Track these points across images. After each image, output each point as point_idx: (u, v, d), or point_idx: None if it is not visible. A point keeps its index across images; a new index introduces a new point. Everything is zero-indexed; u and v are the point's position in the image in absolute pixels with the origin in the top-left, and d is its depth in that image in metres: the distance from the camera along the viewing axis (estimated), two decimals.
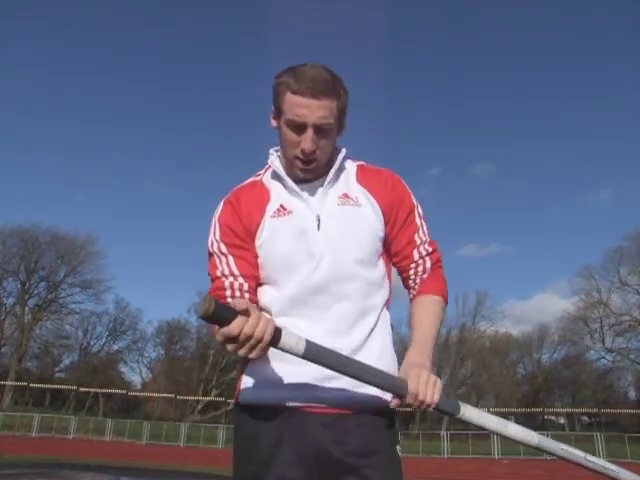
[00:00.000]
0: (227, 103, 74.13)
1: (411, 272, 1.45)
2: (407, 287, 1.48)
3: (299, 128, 1.32)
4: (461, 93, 75.77)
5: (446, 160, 77.22)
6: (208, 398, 45.58)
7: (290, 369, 1.28)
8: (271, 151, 1.50)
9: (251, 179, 1.51)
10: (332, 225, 1.36)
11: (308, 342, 1.15)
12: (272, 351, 1.27)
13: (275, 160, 1.46)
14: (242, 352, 1.12)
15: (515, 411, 40.14)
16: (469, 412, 1.27)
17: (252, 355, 1.13)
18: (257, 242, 1.38)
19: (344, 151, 1.46)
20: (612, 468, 1.36)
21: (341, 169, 1.45)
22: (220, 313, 1.07)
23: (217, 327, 1.11)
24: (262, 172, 1.51)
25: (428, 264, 1.45)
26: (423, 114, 76.56)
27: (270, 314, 1.33)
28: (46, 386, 43.70)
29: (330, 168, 1.42)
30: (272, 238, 1.37)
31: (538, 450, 1.34)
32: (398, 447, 1.33)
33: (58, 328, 50.05)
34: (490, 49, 73.15)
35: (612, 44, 67.25)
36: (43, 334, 50.01)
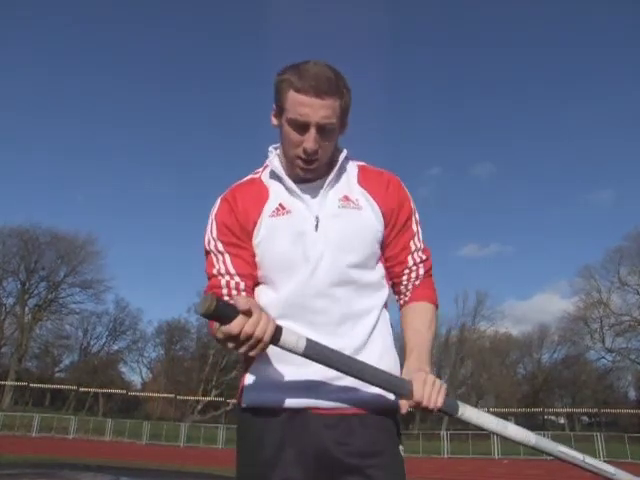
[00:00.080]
0: (227, 103, 74.22)
1: (404, 278, 1.44)
2: (397, 293, 1.46)
3: (302, 127, 1.30)
4: (461, 93, 75.85)
5: (446, 160, 77.31)
6: (208, 398, 45.57)
7: (293, 370, 1.28)
8: (270, 149, 1.49)
9: (249, 176, 1.49)
10: (331, 227, 1.35)
11: (308, 340, 1.15)
12: (275, 352, 1.26)
13: (274, 159, 1.44)
14: (242, 350, 1.12)
15: (515, 411, 40.16)
16: (468, 412, 1.27)
17: (252, 353, 1.13)
18: (254, 241, 1.37)
19: (345, 152, 1.45)
20: (610, 470, 1.36)
21: (342, 170, 1.44)
22: (221, 311, 1.07)
23: (217, 324, 1.11)
24: (261, 170, 1.49)
25: (421, 271, 1.44)
26: (423, 114, 76.67)
27: None
28: (46, 386, 43.70)
29: (331, 168, 1.40)
30: (270, 237, 1.35)
31: (536, 450, 1.35)
32: (401, 447, 1.33)
33: (58, 328, 50.16)
34: (490, 49, 73.25)
35: (612, 44, 67.33)
36: (43, 334, 50.13)
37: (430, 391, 1.20)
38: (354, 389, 1.28)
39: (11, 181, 69.63)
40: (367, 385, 1.26)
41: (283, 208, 1.38)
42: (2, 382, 41.28)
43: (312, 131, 1.29)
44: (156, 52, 72.14)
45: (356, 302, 1.34)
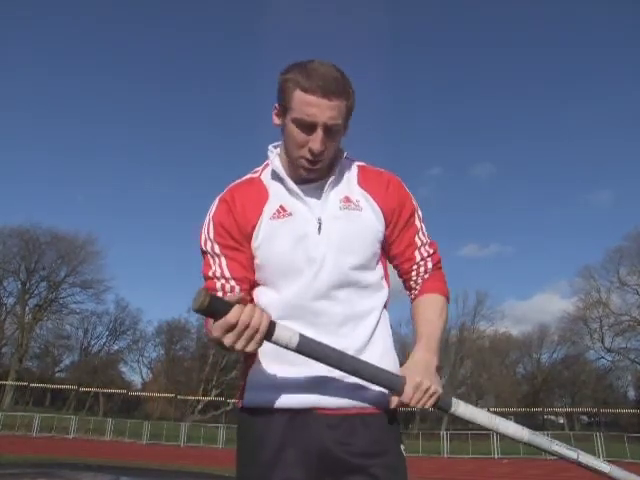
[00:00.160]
0: (227, 103, 74.21)
1: (413, 273, 1.44)
2: (408, 288, 1.47)
3: (308, 128, 1.28)
4: (461, 93, 75.81)
5: (446, 160, 77.36)
6: (208, 398, 45.56)
7: (295, 371, 1.28)
8: (270, 148, 1.47)
9: (248, 176, 1.47)
10: (333, 229, 1.34)
11: (302, 336, 1.15)
12: (275, 353, 1.27)
13: (275, 159, 1.42)
14: (240, 344, 1.10)
15: (515, 411, 40.13)
16: (462, 408, 1.28)
17: (250, 347, 1.12)
18: (253, 243, 1.35)
19: (345, 152, 1.45)
20: (604, 467, 1.36)
21: (342, 171, 1.44)
22: (215, 306, 1.07)
23: (212, 323, 1.11)
24: (260, 169, 1.47)
25: (429, 265, 1.45)
26: (423, 114, 76.72)
27: None
28: (46, 386, 43.66)
29: (331, 169, 1.40)
30: (270, 240, 1.34)
31: (530, 446, 1.35)
32: (402, 446, 1.33)
33: (58, 328, 50.17)
34: (490, 49, 73.24)
35: (612, 44, 67.32)
36: (43, 334, 50.13)
37: (420, 397, 1.23)
38: (356, 389, 1.28)
39: (11, 181, 69.74)
40: (369, 385, 1.27)
41: (284, 210, 1.36)
42: (2, 382, 41.27)
43: (319, 132, 1.28)
44: (156, 52, 72.27)
45: (357, 303, 1.34)
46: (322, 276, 1.31)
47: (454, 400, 1.28)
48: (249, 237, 1.35)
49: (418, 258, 1.44)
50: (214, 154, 76.32)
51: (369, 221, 1.38)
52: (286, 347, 1.15)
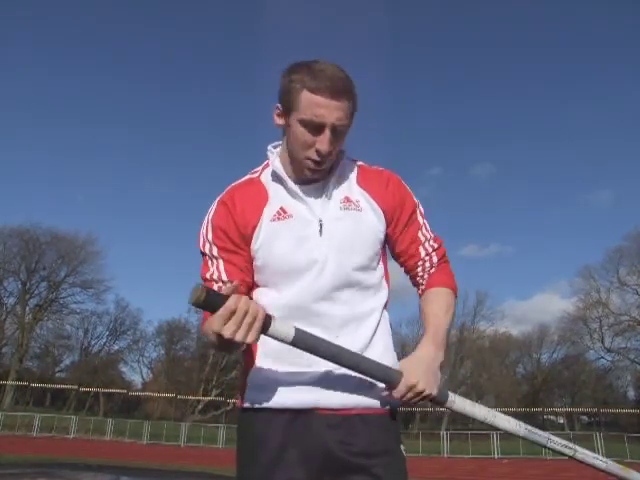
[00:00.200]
0: (227, 103, 74.20)
1: (419, 269, 1.44)
2: (415, 285, 1.47)
3: (316, 129, 1.27)
4: (461, 93, 75.82)
5: (446, 160, 77.40)
6: (208, 398, 45.56)
7: (294, 371, 1.28)
8: (270, 148, 1.45)
9: (247, 177, 1.45)
10: (334, 230, 1.33)
11: (297, 329, 1.16)
12: (275, 354, 1.28)
13: (275, 159, 1.41)
14: (240, 334, 1.09)
15: (515, 411, 40.03)
16: (458, 401, 1.29)
17: (250, 337, 1.10)
18: (253, 246, 1.34)
19: (344, 152, 1.45)
20: (601, 462, 1.37)
21: (342, 171, 1.43)
22: (211, 300, 1.08)
23: (207, 325, 1.11)
24: (259, 169, 1.46)
25: (435, 259, 1.44)
26: (423, 114, 76.72)
27: None
28: (47, 386, 43.64)
29: (332, 169, 1.39)
30: (271, 243, 1.33)
31: (526, 440, 1.36)
32: (402, 446, 1.34)
33: (59, 328, 50.17)
34: (490, 49, 73.25)
35: (612, 44, 67.31)
36: (44, 334, 50.13)
37: (411, 397, 1.25)
38: (357, 390, 1.28)
39: (11, 181, 69.78)
40: (370, 386, 1.28)
41: (285, 212, 1.35)
42: (3, 382, 41.24)
43: (327, 132, 1.27)
44: (156, 52, 72.29)
45: (359, 304, 1.34)
46: (324, 277, 1.31)
47: (450, 394, 1.29)
48: (249, 239, 1.35)
49: (423, 254, 1.43)
50: (214, 154, 76.48)
51: (370, 221, 1.38)
52: (283, 341, 1.15)
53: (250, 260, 1.36)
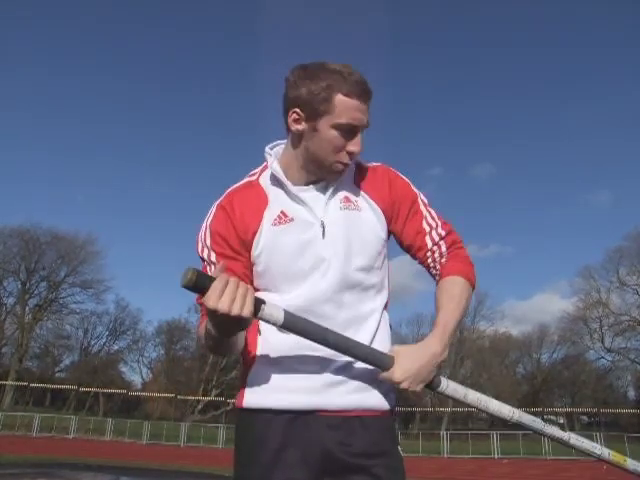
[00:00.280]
0: (227, 103, 74.21)
1: (429, 260, 1.42)
2: (432, 276, 1.44)
3: (350, 132, 1.28)
4: (461, 93, 75.82)
5: (446, 160, 77.45)
6: (208, 398, 45.55)
7: (294, 373, 1.27)
8: (267, 150, 1.43)
9: (246, 180, 1.43)
10: (337, 231, 1.32)
11: (287, 312, 1.15)
12: (275, 355, 1.28)
13: (274, 161, 1.39)
14: (236, 306, 1.06)
15: None
16: (451, 386, 1.29)
17: (246, 310, 1.07)
18: (254, 252, 1.32)
19: None
20: (595, 448, 1.38)
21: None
22: (202, 281, 1.08)
23: (204, 298, 1.08)
24: (258, 172, 1.44)
25: (443, 248, 1.41)
26: (423, 114, 76.78)
27: None
28: (46, 386, 43.65)
29: None
30: (273, 247, 1.31)
31: (519, 426, 1.35)
32: (399, 447, 1.34)
33: (58, 328, 50.18)
34: (490, 49, 73.24)
35: (612, 44, 67.33)
36: (43, 334, 50.13)
37: (405, 384, 1.23)
38: (356, 392, 1.28)
39: (11, 181, 69.79)
40: (369, 387, 1.28)
41: (285, 215, 1.33)
42: (2, 382, 41.26)
43: (359, 135, 1.30)
44: (156, 52, 72.30)
45: (361, 305, 1.33)
46: (328, 280, 1.30)
47: (443, 379, 1.29)
48: (249, 245, 1.33)
49: (430, 244, 1.41)
50: (214, 154, 76.50)
51: (369, 221, 1.37)
52: (274, 324, 1.15)
53: (249, 266, 1.34)
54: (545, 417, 47.94)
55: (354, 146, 1.30)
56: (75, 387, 43.02)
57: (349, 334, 1.28)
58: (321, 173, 1.36)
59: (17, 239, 46.48)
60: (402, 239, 1.43)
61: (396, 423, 1.39)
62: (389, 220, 1.40)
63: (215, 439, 29.32)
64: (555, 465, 19.99)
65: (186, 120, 75.51)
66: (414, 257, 1.44)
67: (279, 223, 1.33)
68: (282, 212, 1.34)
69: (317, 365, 1.27)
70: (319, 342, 1.19)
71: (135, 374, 77.34)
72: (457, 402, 1.34)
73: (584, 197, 77.87)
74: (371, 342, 1.31)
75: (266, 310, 1.13)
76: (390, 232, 1.43)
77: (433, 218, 1.43)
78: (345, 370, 1.28)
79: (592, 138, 67.64)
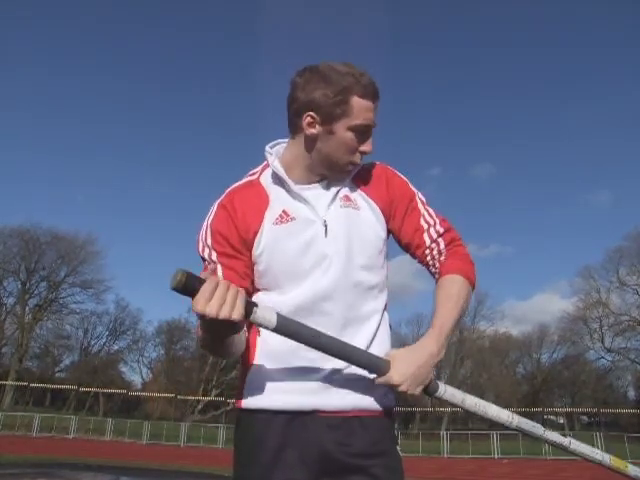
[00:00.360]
0: (227, 103, 74.20)
1: (428, 258, 1.41)
2: (432, 275, 1.43)
3: (364, 132, 1.30)
4: (461, 93, 75.83)
5: (446, 160, 77.49)
6: (208, 398, 45.55)
7: (294, 373, 1.27)
8: (268, 149, 1.43)
9: (246, 179, 1.42)
10: (338, 230, 1.32)
11: (279, 315, 1.14)
12: (274, 355, 1.28)
13: (274, 160, 1.39)
14: (225, 310, 1.04)
15: (515, 411, 39.67)
16: (449, 391, 1.28)
17: (235, 313, 1.05)
18: (255, 251, 1.32)
19: None
20: (596, 454, 1.38)
21: None
22: (192, 283, 1.06)
23: (193, 302, 1.06)
24: (258, 171, 1.43)
25: (442, 245, 1.40)
26: (423, 114, 76.79)
27: None
28: (46, 386, 43.64)
29: None
30: (275, 247, 1.31)
31: (518, 431, 1.35)
32: (398, 447, 1.34)
33: (58, 328, 50.18)
34: (490, 49, 73.26)
35: (612, 44, 67.33)
36: (43, 334, 50.14)
37: (402, 387, 1.22)
38: (355, 392, 1.28)
39: (11, 181, 69.79)
40: (367, 388, 1.28)
41: (287, 214, 1.32)
42: (2, 382, 41.25)
43: (371, 135, 1.33)
44: (156, 52, 72.31)
45: (361, 305, 1.33)
46: (329, 277, 1.29)
47: (441, 384, 1.28)
48: (250, 244, 1.32)
49: (428, 241, 1.40)
50: (214, 154, 76.52)
51: (368, 220, 1.37)
52: (266, 327, 1.13)
53: (250, 265, 1.34)
54: (545, 417, 48.05)
55: (367, 146, 1.32)
56: (75, 387, 43.02)
57: (349, 334, 1.28)
58: (330, 174, 1.36)
59: (17, 239, 46.52)
60: (400, 237, 1.42)
61: (395, 423, 1.39)
62: (387, 218, 1.40)
63: (215, 439, 29.31)
64: (555, 465, 19.98)
65: (186, 120, 75.66)
66: (413, 255, 1.43)
67: (280, 222, 1.32)
68: (284, 211, 1.33)
69: (316, 366, 1.26)
70: (312, 346, 1.18)
71: (135, 374, 77.53)
72: (455, 406, 1.33)
73: (584, 197, 78.02)
74: (371, 343, 1.31)
75: (258, 313, 1.12)
76: (389, 230, 1.43)
77: (431, 216, 1.42)
78: (344, 371, 1.28)
79: (592, 138, 67.80)
